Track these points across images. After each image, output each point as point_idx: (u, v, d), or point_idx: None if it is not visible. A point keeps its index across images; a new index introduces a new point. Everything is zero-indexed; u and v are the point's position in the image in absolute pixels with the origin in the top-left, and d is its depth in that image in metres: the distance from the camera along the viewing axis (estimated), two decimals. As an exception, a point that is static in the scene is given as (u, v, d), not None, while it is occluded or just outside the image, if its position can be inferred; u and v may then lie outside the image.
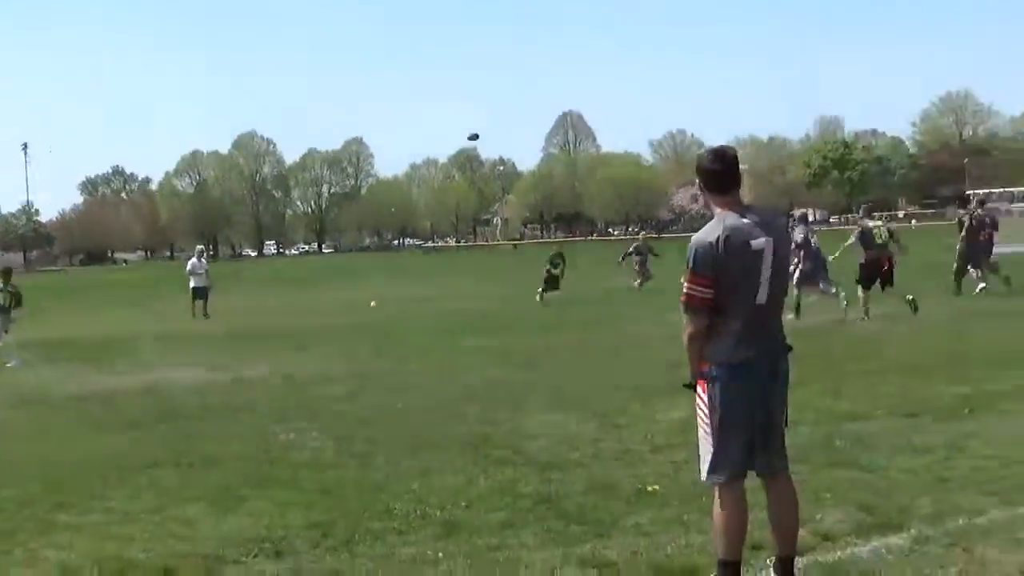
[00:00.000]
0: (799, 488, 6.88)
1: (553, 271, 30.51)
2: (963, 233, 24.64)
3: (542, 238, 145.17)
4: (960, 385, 11.55)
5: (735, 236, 5.36)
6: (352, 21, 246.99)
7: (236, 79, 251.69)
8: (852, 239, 20.88)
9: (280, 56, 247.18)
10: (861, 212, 22.24)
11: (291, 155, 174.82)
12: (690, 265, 5.41)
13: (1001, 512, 6.82)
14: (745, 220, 5.43)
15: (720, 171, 5.57)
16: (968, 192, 44.60)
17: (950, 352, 14.24)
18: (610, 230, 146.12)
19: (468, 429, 10.60)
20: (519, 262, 70.00)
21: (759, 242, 5.40)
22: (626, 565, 6.14)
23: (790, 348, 5.67)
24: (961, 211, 26.29)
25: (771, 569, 5.67)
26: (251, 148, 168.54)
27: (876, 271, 19.95)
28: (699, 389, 5.53)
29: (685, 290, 5.44)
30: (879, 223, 21.15)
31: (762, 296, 5.44)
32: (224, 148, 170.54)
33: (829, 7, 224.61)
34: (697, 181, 5.66)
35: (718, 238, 5.36)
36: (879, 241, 20.14)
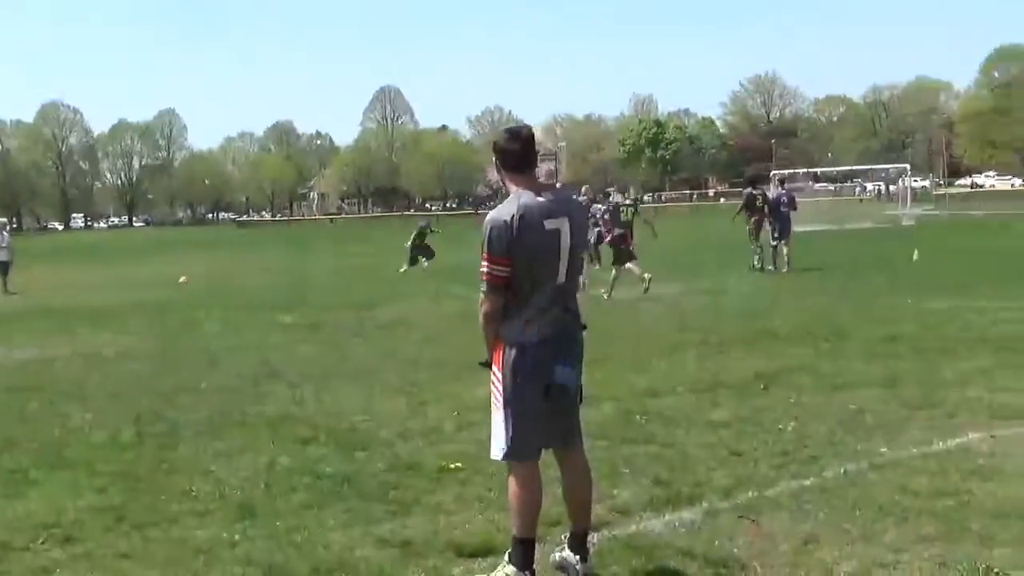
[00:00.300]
0: (597, 464, 7.03)
1: (419, 241, 31.24)
2: (743, 210, 25.68)
3: (360, 213, 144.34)
4: (756, 360, 11.95)
5: (530, 215, 5.37)
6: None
7: (43, 48, 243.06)
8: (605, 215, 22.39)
9: (92, 26, 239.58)
10: (613, 189, 23.41)
11: (101, 126, 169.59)
12: (485, 245, 5.40)
13: (790, 484, 7.07)
14: (540, 199, 5.44)
15: (516, 150, 5.57)
16: (773, 172, 45.95)
17: (748, 328, 14.69)
18: (428, 205, 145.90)
19: (274, 408, 10.47)
20: (336, 237, 69.46)
21: (554, 222, 5.42)
22: (425, 543, 6.15)
23: (584, 327, 5.74)
24: (747, 190, 27.14)
25: (566, 544, 5.75)
26: (56, 118, 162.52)
27: (625, 246, 21.04)
28: (494, 367, 5.55)
29: (483, 269, 5.43)
30: (628, 201, 22.04)
31: (558, 276, 5.48)
32: (28, 117, 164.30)
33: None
34: (494, 160, 5.67)
35: (512, 217, 5.35)
36: (624, 218, 21.18)
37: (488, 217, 5.46)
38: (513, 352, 5.45)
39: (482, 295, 5.49)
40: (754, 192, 26.29)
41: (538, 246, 5.38)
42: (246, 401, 10.92)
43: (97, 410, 10.71)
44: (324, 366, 13.09)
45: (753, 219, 25.67)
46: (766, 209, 25.76)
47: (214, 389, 11.75)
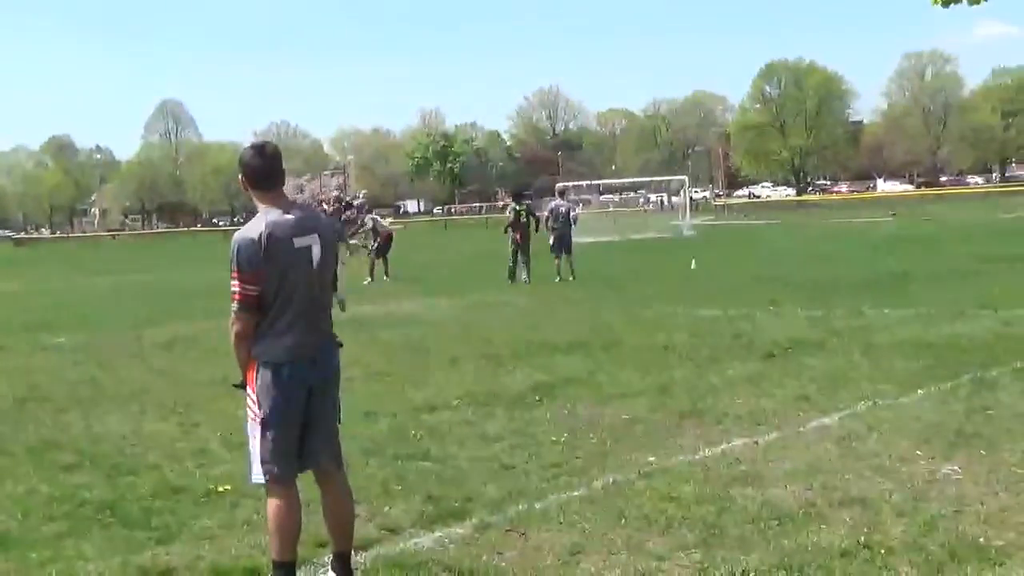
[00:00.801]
0: (368, 482, 6.99)
1: None
2: (509, 226, 26.10)
3: (143, 229, 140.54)
4: (533, 372, 12.10)
5: (279, 233, 5.29)
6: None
7: None
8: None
9: None
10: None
11: None
12: (234, 264, 5.30)
13: (558, 496, 7.16)
14: (289, 216, 5.38)
15: (261, 167, 5.49)
16: (558, 184, 46.67)
17: (526, 340, 14.85)
18: (215, 220, 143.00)
19: (37, 434, 10.05)
20: (118, 253, 67.47)
21: (304, 239, 5.36)
22: (187, 570, 6.00)
23: (340, 344, 5.69)
24: (511, 205, 27.45)
25: (330, 567, 5.68)
26: None
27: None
28: (248, 388, 5.46)
29: (233, 288, 5.33)
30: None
31: (308, 293, 5.41)
32: None
33: (427, 8, 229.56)
34: (240, 177, 5.56)
35: (260, 235, 5.26)
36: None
37: (236, 236, 5.37)
38: (267, 372, 5.36)
39: (233, 315, 5.38)
40: (518, 207, 26.42)
41: (288, 263, 5.31)
42: (6, 426, 10.46)
43: None
44: (95, 388, 12.64)
45: (517, 233, 25.75)
46: (535, 223, 26.05)
47: (-27, 416, 11.21)
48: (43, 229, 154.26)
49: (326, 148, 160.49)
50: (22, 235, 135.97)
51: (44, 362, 15.34)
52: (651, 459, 8.03)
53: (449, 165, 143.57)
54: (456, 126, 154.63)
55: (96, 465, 8.62)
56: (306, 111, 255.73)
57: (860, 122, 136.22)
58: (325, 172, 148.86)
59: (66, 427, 10.32)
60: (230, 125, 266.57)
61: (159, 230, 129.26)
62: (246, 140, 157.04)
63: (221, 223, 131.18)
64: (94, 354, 15.88)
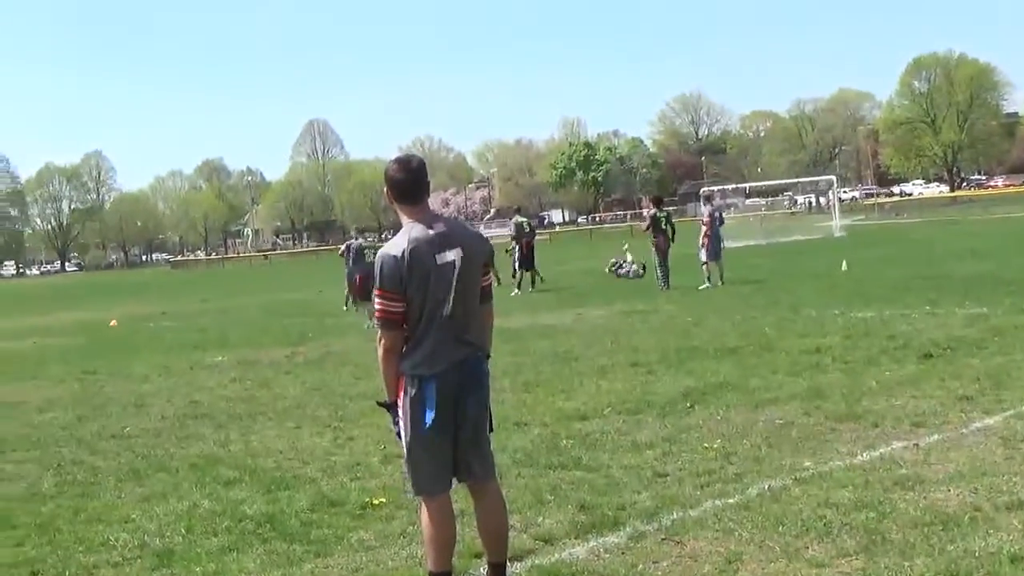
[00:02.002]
0: (521, 492, 6.99)
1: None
2: (648, 229, 25.89)
3: (295, 247, 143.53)
4: (683, 378, 11.98)
5: (421, 248, 5.31)
6: (86, 34, 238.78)
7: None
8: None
9: (13, 71, 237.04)
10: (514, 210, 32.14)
11: (28, 171, 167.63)
12: (377, 281, 5.35)
13: (713, 503, 7.05)
14: (432, 231, 5.39)
15: (406, 180, 5.52)
16: (704, 189, 46.18)
17: (675, 347, 14.71)
18: (365, 236, 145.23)
19: (198, 450, 10.33)
20: (270, 273, 69.01)
21: (447, 254, 5.36)
22: (346, 583, 6.06)
23: (488, 356, 5.68)
24: (652, 211, 27.12)
25: (484, 577, 5.69)
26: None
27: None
28: (398, 403, 5.49)
29: (376, 305, 5.38)
30: (524, 219, 30.80)
31: (451, 308, 5.40)
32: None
33: (568, 13, 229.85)
34: (386, 191, 5.61)
35: (403, 252, 5.30)
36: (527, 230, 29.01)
37: (379, 252, 5.41)
38: (415, 386, 5.38)
39: (379, 332, 5.42)
40: (659, 213, 26.23)
41: (431, 279, 5.32)
42: (170, 444, 10.76)
43: (18, 461, 10.50)
44: (252, 405, 12.93)
45: (660, 239, 25.55)
46: (670, 230, 25.79)
47: (138, 433, 11.56)
48: (199, 251, 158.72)
49: (470, 161, 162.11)
50: (178, 258, 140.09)
51: (204, 380, 15.74)
52: (807, 464, 7.86)
53: (592, 174, 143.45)
54: (598, 134, 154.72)
55: (255, 480, 8.80)
56: (449, 125, 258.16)
57: (1016, 114, 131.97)
58: (469, 185, 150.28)
59: (226, 443, 10.57)
60: (375, 142, 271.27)
61: (309, 248, 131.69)
62: (391, 156, 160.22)
63: (371, 238, 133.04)
64: (251, 372, 16.24)
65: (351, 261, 23.79)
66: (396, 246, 5.34)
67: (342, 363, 16.39)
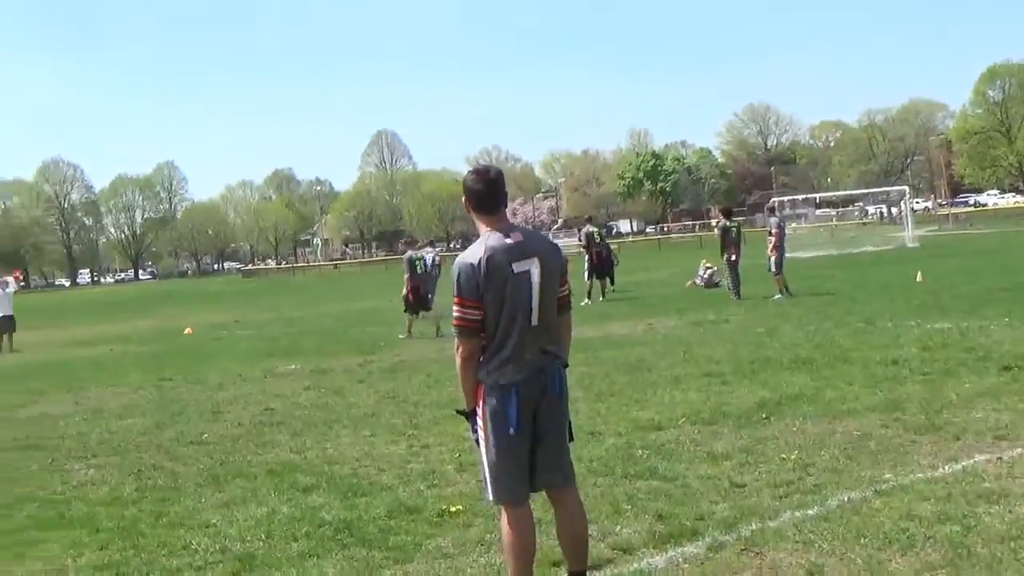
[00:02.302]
0: (598, 501, 6.98)
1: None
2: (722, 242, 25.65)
3: (364, 257, 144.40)
4: (758, 389, 11.90)
5: (497, 257, 5.36)
6: (159, 47, 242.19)
7: (40, 105, 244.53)
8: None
9: (89, 84, 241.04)
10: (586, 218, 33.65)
11: (102, 181, 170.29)
12: (455, 289, 5.40)
13: (793, 515, 6.99)
14: (509, 241, 5.43)
15: (483, 191, 5.57)
16: (772, 199, 45.86)
17: (750, 357, 14.61)
18: (416, 246, 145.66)
19: (275, 456, 10.44)
20: (340, 282, 69.45)
21: (523, 264, 5.40)
22: (425, 589, 6.09)
23: (566, 365, 5.70)
24: (722, 222, 26.90)
25: (565, 585, 5.69)
26: (57, 175, 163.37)
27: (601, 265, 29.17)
28: (476, 412, 5.52)
29: (455, 313, 5.42)
30: (595, 228, 31.18)
31: (529, 317, 5.43)
32: (29, 175, 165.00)
33: (633, 24, 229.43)
34: (463, 200, 5.66)
35: (480, 260, 5.35)
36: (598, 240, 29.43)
37: (456, 260, 5.46)
38: (494, 395, 5.41)
39: (456, 340, 5.47)
40: (729, 224, 26.10)
41: (508, 288, 5.35)
42: (248, 451, 10.89)
43: (99, 466, 10.69)
44: (327, 412, 13.05)
45: (729, 250, 25.41)
46: (741, 241, 25.68)
47: (216, 439, 11.72)
48: (269, 260, 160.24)
49: (537, 171, 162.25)
50: (249, 267, 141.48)
51: (278, 388, 15.89)
52: (887, 476, 7.78)
53: (660, 184, 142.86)
54: (666, 145, 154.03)
55: (333, 487, 8.87)
56: (517, 135, 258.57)
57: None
58: (537, 195, 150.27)
59: (302, 450, 10.68)
60: (443, 153, 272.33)
61: (378, 258, 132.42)
62: (459, 167, 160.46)
63: (438, 248, 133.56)
64: (325, 380, 16.38)
65: (405, 271, 23.89)
66: (473, 255, 5.39)
67: (414, 372, 16.46)
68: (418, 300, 23.21)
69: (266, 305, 45.60)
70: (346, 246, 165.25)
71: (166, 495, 9.14)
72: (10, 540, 8.00)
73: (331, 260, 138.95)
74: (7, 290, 30.61)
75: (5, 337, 29.40)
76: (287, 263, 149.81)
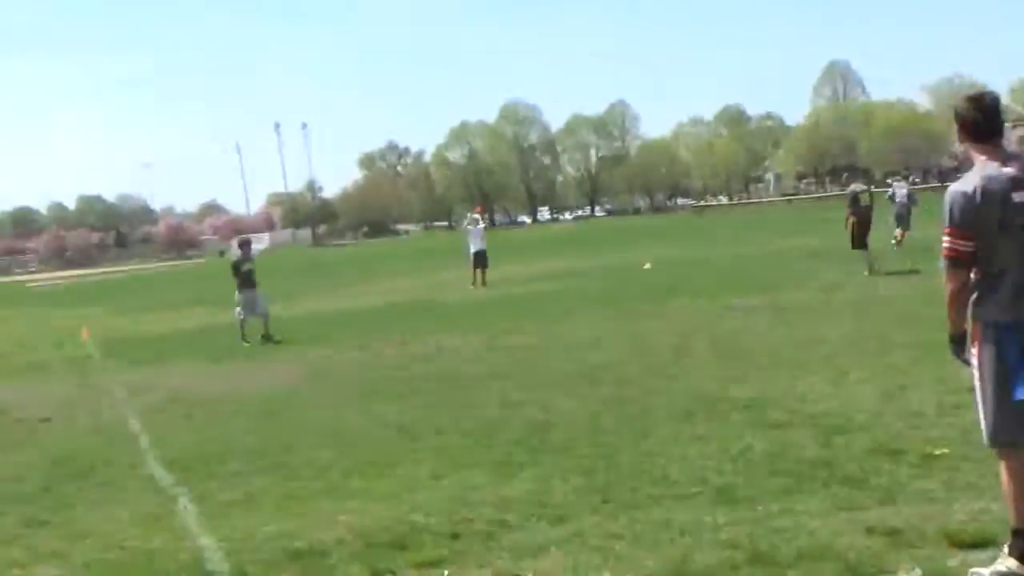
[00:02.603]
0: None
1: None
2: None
3: (816, 192, 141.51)
4: None
5: (995, 187, 5.05)
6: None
7: (499, 50, 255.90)
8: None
9: (539, 26, 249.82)
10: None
11: (556, 121, 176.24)
12: (947, 218, 5.14)
13: None
14: (1007, 170, 5.09)
15: (979, 118, 5.26)
16: None
17: None
18: (888, 181, 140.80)
19: (744, 392, 10.46)
20: (793, 218, 68.45)
21: (1022, 194, 5.07)
22: (915, 533, 5.89)
23: None
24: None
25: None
26: (516, 116, 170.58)
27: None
28: (971, 348, 5.26)
29: (946, 244, 5.17)
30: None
31: None
32: (491, 118, 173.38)
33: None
34: (956, 129, 5.37)
35: (975, 189, 5.06)
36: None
37: (949, 190, 5.20)
38: (988, 333, 5.14)
39: (945, 272, 5.22)
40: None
41: (1005, 220, 5.04)
42: (717, 385, 10.98)
43: (576, 395, 11.13)
44: (791, 349, 12.93)
45: None
46: None
47: (683, 374, 11.91)
48: (721, 197, 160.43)
49: (1005, 100, 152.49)
50: (701, 203, 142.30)
51: (738, 324, 15.93)
52: None
53: None
54: None
55: (807, 425, 8.78)
56: (980, 62, 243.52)
57: None
58: (1006, 125, 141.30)
59: (771, 386, 10.63)
60: (898, 83, 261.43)
61: (833, 193, 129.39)
62: (915, 98, 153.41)
63: (892, 182, 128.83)
64: (785, 316, 16.24)
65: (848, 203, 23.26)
66: (968, 183, 5.13)
67: (886, 307, 15.99)
68: (862, 235, 22.56)
69: (719, 239, 45.64)
70: (799, 181, 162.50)
71: (640, 426, 9.39)
72: (501, 462, 8.47)
73: (784, 195, 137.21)
74: (478, 227, 32.38)
75: (478, 271, 31.12)
76: (739, 199, 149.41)
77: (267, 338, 19.71)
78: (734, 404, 9.92)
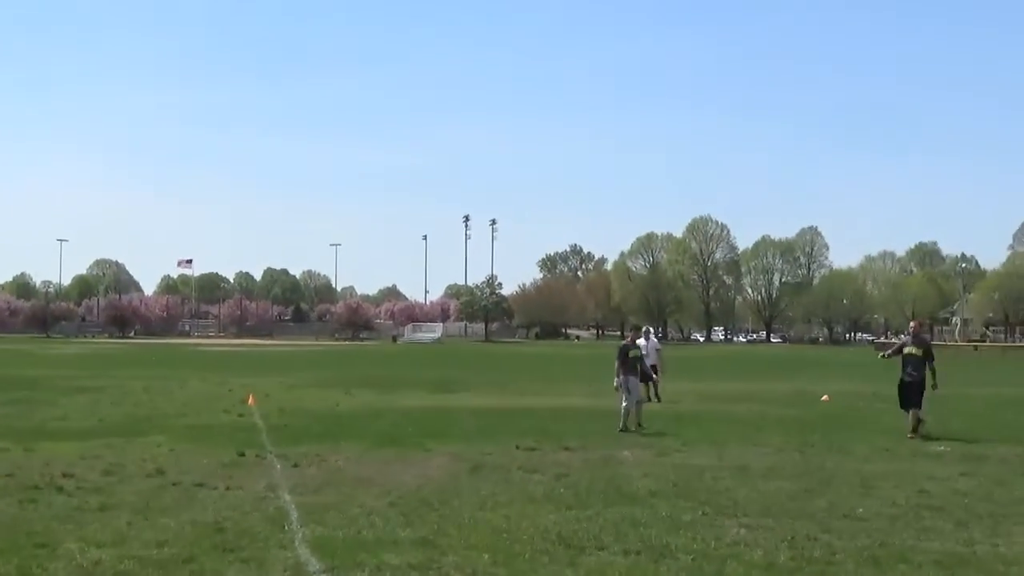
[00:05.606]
0: None
1: None
2: None
3: (1005, 341, 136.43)
4: None
5: None
6: (813, 112, 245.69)
7: (692, 167, 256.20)
8: None
9: (733, 143, 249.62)
10: None
11: (744, 241, 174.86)
12: None
13: None
14: None
15: None
16: None
17: None
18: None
19: (940, 546, 9.58)
20: (978, 364, 65.89)
21: None
22: None
23: None
24: None
25: None
26: (704, 232, 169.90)
27: None
28: None
29: None
30: None
31: None
32: (678, 231, 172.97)
33: None
34: None
35: None
36: None
37: None
38: None
39: None
40: None
41: None
42: (907, 534, 10.09)
43: (749, 527, 10.36)
44: (991, 504, 11.90)
45: None
46: None
47: (870, 516, 11.01)
48: (902, 335, 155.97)
49: None
50: (882, 340, 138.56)
51: (930, 469, 14.89)
52: None
53: None
54: None
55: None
56: None
57: None
58: None
59: (970, 543, 9.71)
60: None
61: (1020, 344, 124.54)
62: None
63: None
64: (981, 467, 15.14)
65: None
66: None
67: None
68: None
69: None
70: (987, 328, 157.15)
71: (823, 568, 8.61)
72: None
73: (969, 340, 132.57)
74: (650, 340, 31.69)
75: (649, 384, 30.39)
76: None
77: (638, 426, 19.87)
78: (928, 557, 9.04)
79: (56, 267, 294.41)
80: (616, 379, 20.76)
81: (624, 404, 20.20)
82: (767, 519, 10.77)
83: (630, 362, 20.68)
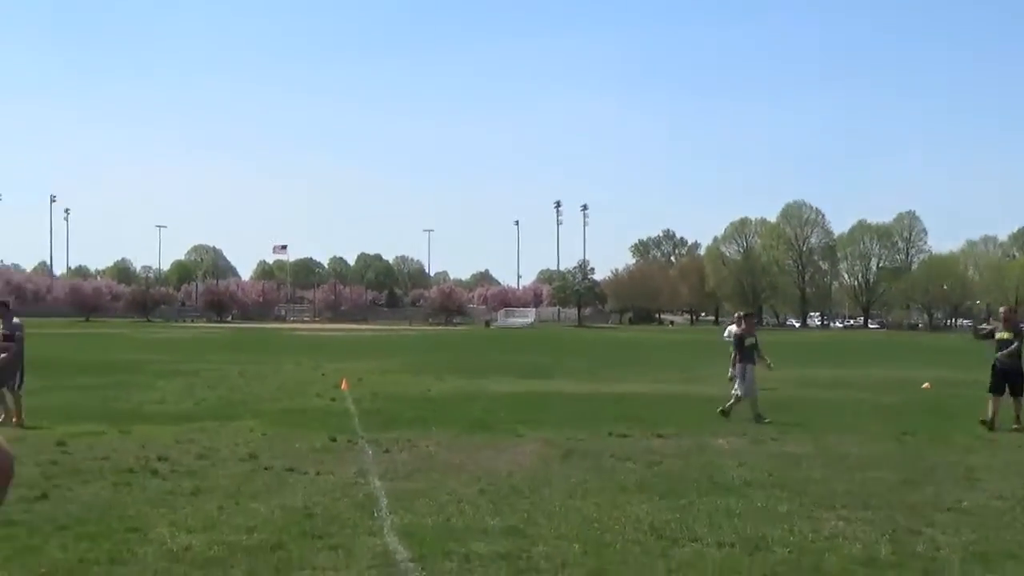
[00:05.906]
0: None
1: None
2: None
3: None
4: None
5: None
6: (906, 95, 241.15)
7: (787, 149, 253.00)
8: None
9: (826, 125, 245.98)
10: None
11: (839, 226, 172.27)
12: None
13: None
14: None
15: None
16: None
17: None
18: None
19: (1050, 542, 9.18)
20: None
21: None
22: None
23: None
24: None
25: None
26: (799, 218, 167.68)
27: None
28: None
29: None
30: None
31: None
32: (772, 216, 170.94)
33: None
34: None
35: None
36: None
37: None
38: None
39: None
40: None
41: None
42: (1016, 529, 9.71)
43: (849, 519, 10.05)
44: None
45: None
46: None
47: (976, 510, 10.62)
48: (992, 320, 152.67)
49: None
50: (983, 326, 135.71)
51: None
52: None
53: None
54: None
55: None
56: None
57: None
58: None
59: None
60: None
61: None
62: None
63: None
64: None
65: None
66: None
67: None
68: None
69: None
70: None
71: (927, 565, 8.28)
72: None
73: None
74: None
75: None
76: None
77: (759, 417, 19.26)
78: (1036, 552, 8.68)
79: (155, 253, 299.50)
80: (731, 369, 20.47)
81: (740, 393, 19.81)
82: (866, 511, 10.43)
83: (746, 351, 20.20)
